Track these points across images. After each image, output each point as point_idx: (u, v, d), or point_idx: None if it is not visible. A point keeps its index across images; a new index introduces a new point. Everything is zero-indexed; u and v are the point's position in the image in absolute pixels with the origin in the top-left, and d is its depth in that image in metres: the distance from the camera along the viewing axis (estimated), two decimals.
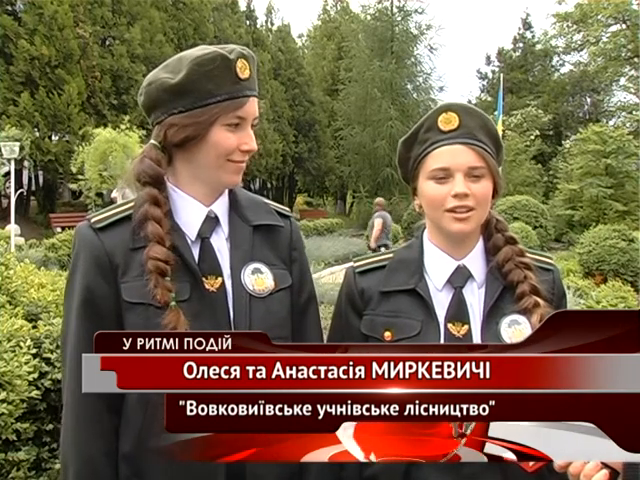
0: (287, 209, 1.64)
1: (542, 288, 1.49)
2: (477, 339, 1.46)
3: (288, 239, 1.56)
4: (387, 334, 1.50)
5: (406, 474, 1.46)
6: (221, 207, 1.50)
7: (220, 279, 1.43)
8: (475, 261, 1.52)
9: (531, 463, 1.19)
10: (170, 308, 1.34)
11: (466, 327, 1.46)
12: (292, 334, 1.52)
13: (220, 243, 1.47)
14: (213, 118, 1.39)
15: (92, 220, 1.43)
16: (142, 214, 1.39)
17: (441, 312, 1.48)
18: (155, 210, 1.39)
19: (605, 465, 1.09)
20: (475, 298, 1.49)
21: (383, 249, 11.48)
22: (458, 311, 1.47)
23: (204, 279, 1.41)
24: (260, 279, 1.46)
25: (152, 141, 1.46)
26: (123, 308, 1.39)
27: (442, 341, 1.46)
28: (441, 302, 1.49)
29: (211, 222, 1.47)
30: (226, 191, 1.52)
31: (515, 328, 1.46)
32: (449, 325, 1.46)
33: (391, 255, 1.61)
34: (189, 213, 1.45)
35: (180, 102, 1.40)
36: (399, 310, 1.51)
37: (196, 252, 1.43)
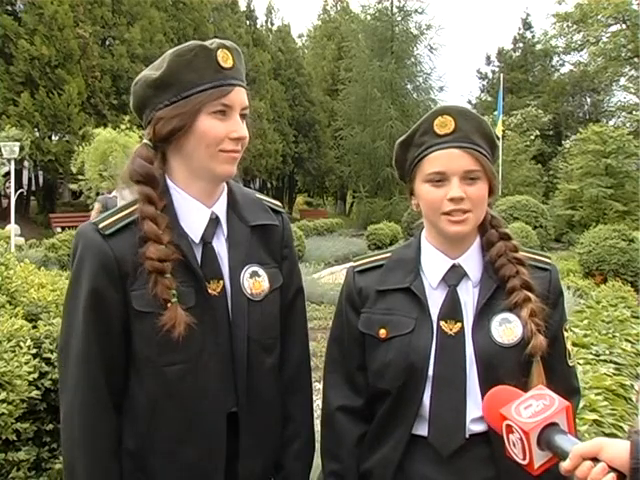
0: (279, 204, 1.65)
1: (535, 284, 1.49)
2: (469, 337, 1.47)
3: (280, 236, 1.58)
4: (382, 331, 1.52)
5: (399, 468, 1.48)
6: (222, 207, 1.50)
7: (221, 282, 1.44)
8: (471, 260, 1.53)
9: (536, 465, 1.19)
10: (169, 306, 1.35)
11: (459, 325, 1.47)
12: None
13: (220, 245, 1.47)
14: (198, 107, 1.39)
15: (100, 225, 1.41)
16: (138, 214, 1.40)
17: (435, 310, 1.50)
18: (149, 208, 1.39)
19: (612, 468, 1.08)
20: (470, 296, 1.51)
21: None
22: (451, 309, 1.49)
23: (207, 283, 1.42)
24: (258, 282, 1.48)
25: (144, 141, 1.47)
26: (132, 315, 1.39)
27: (435, 339, 1.47)
28: (435, 300, 1.51)
29: (213, 224, 1.47)
30: (225, 190, 1.52)
31: (506, 327, 1.47)
32: (442, 323, 1.48)
33: (389, 254, 1.63)
34: (193, 216, 1.45)
35: (164, 95, 1.41)
36: (394, 308, 1.53)
37: (198, 255, 1.43)
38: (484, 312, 1.48)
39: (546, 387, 1.29)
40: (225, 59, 1.42)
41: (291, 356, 1.58)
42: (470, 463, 1.44)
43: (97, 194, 17.82)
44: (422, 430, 1.47)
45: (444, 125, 1.48)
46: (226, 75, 1.41)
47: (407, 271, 1.55)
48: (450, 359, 1.46)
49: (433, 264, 1.53)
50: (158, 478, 1.42)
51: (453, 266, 1.52)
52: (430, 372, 1.46)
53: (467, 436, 1.45)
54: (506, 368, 1.43)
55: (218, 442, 1.42)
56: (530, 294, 1.47)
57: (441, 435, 1.45)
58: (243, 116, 1.45)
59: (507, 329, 1.46)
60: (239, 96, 1.43)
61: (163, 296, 1.34)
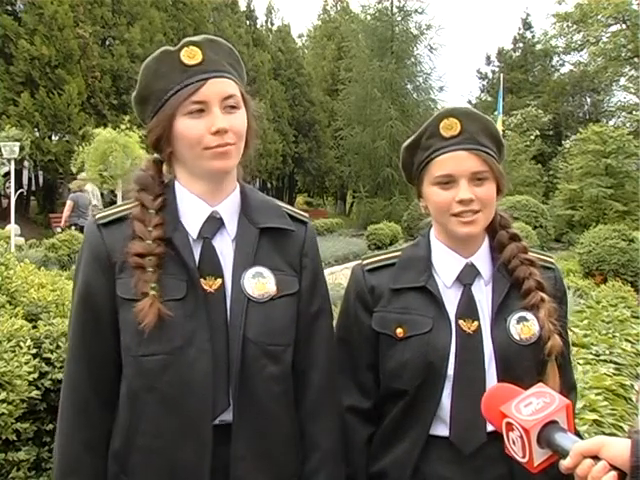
0: (305, 215, 1.61)
1: (545, 284, 1.51)
2: (487, 335, 1.48)
3: (300, 245, 1.53)
4: (399, 330, 1.52)
5: (415, 469, 1.48)
6: (229, 208, 1.49)
7: (220, 280, 1.43)
8: (482, 259, 1.55)
9: (536, 463, 1.19)
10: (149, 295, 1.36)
11: (476, 323, 1.48)
12: (298, 344, 1.49)
13: (224, 245, 1.46)
14: (171, 111, 1.41)
15: (97, 217, 1.48)
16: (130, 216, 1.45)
17: (451, 309, 1.51)
18: (139, 211, 1.44)
19: (613, 467, 1.08)
20: (483, 295, 1.52)
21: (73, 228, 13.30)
22: (468, 308, 1.50)
23: (202, 279, 1.41)
24: (261, 283, 1.45)
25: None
26: (118, 304, 1.41)
27: (453, 337, 1.48)
28: (450, 299, 1.52)
29: (214, 222, 1.46)
30: (236, 191, 1.51)
31: (524, 324, 1.48)
32: (460, 322, 1.49)
33: (399, 253, 1.63)
34: (192, 212, 1.46)
35: (148, 108, 1.47)
36: (410, 307, 1.53)
37: (197, 252, 1.43)
38: (501, 310, 1.49)
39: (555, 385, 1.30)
40: (191, 56, 1.41)
41: (313, 378, 1.51)
42: (486, 461, 1.45)
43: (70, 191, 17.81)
44: (439, 430, 1.48)
45: (450, 127, 1.49)
46: (194, 72, 1.40)
47: (420, 270, 1.55)
48: (470, 358, 1.46)
49: (446, 263, 1.54)
50: (139, 477, 1.40)
51: (467, 265, 1.53)
52: (450, 371, 1.46)
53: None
54: (524, 366, 1.44)
55: (204, 444, 1.37)
56: (545, 295, 1.49)
57: (463, 434, 1.45)
58: (232, 106, 1.42)
59: (525, 327, 1.48)
60: (214, 88, 1.40)
61: (142, 289, 1.37)
